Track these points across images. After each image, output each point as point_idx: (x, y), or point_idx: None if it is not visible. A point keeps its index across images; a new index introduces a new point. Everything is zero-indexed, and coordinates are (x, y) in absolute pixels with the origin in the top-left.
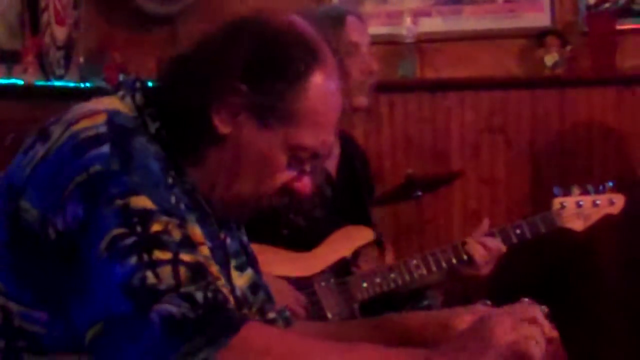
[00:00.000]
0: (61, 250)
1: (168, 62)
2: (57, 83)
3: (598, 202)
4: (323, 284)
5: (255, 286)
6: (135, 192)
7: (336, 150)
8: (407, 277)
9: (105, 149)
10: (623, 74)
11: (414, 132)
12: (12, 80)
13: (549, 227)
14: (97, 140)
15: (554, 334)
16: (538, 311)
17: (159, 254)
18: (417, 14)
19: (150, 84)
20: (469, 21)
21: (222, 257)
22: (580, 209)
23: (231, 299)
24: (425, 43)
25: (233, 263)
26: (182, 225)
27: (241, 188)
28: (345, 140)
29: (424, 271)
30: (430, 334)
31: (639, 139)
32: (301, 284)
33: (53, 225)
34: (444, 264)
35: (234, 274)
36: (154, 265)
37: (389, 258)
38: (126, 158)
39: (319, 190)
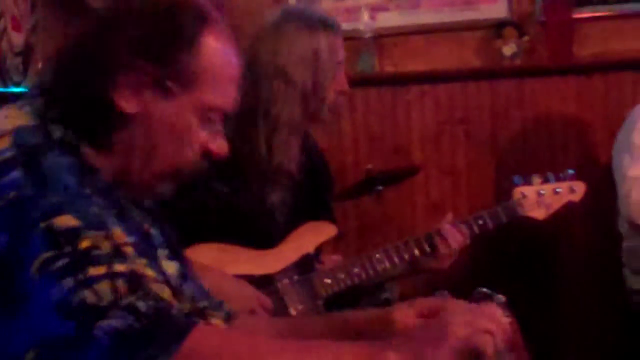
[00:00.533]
0: None
1: (58, 57)
2: (16, 89)
3: (559, 190)
4: (286, 281)
5: (184, 276)
6: (57, 212)
7: (298, 153)
8: (371, 272)
9: (17, 173)
10: (581, 62)
11: (375, 127)
12: None
13: (511, 217)
14: (8, 165)
15: (512, 324)
16: (494, 307)
17: (93, 271)
18: (374, 9)
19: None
20: (427, 14)
21: (148, 248)
22: (541, 198)
23: (167, 289)
24: (384, 37)
25: (163, 253)
26: (109, 235)
27: (160, 162)
28: (307, 141)
29: (387, 265)
30: (375, 330)
31: (599, 126)
32: (264, 282)
33: None
34: (406, 257)
35: (165, 263)
36: (91, 282)
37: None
38: (40, 179)
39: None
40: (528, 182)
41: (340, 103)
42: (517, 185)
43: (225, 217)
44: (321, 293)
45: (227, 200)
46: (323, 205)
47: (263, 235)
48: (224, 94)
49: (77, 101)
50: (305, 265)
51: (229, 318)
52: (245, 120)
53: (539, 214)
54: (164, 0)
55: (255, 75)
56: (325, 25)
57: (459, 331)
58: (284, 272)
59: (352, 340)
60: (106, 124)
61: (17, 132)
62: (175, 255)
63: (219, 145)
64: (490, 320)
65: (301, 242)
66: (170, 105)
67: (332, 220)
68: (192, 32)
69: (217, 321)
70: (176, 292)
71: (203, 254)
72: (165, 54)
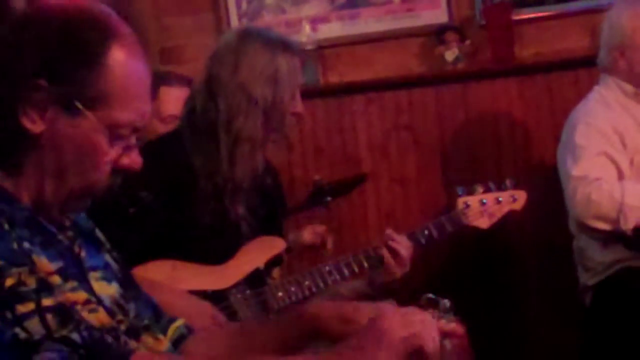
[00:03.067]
0: None
1: None
2: None
3: (500, 199)
4: (239, 296)
5: (126, 297)
6: None
7: (261, 169)
8: (321, 284)
9: None
10: (523, 63)
11: (322, 138)
12: None
13: (456, 227)
14: None
15: (457, 328)
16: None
17: (21, 308)
18: (315, 21)
19: None
20: (368, 24)
21: (78, 271)
22: (484, 207)
23: (101, 309)
24: (326, 49)
25: (97, 274)
26: (32, 270)
27: (72, 182)
28: None
29: (338, 277)
30: (335, 326)
31: (544, 126)
32: (217, 297)
33: None
34: (356, 269)
35: (101, 284)
36: (20, 320)
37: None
38: None
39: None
40: (470, 192)
41: (292, 124)
42: (460, 195)
43: (182, 233)
44: (274, 306)
45: (149, 206)
46: (273, 220)
47: (225, 249)
48: (134, 110)
49: None
50: (256, 279)
51: (181, 336)
52: (205, 135)
53: (483, 223)
54: (66, 16)
55: (214, 91)
56: (286, 46)
57: (397, 333)
58: (236, 286)
59: (309, 334)
60: (14, 147)
61: None
62: (115, 275)
63: (132, 160)
64: (423, 318)
65: (251, 257)
66: (77, 124)
67: (281, 235)
68: (97, 49)
69: (161, 336)
70: (113, 312)
71: (155, 271)
72: (70, 72)
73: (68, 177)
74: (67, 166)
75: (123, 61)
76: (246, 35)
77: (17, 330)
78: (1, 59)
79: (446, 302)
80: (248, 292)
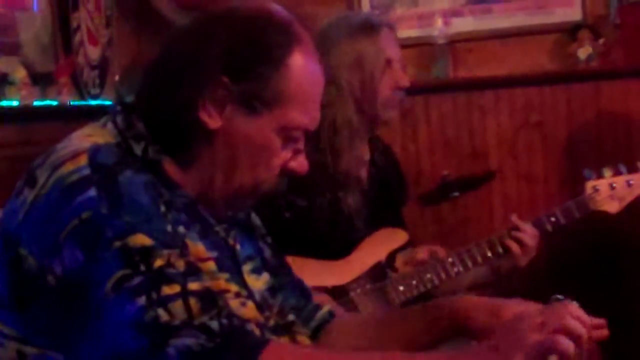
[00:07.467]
0: (64, 295)
1: (143, 71)
2: (93, 102)
3: (632, 182)
4: (359, 290)
5: (273, 289)
6: (131, 232)
7: (366, 157)
8: (444, 276)
9: (92, 192)
10: None
11: (450, 133)
12: (47, 102)
13: (583, 212)
14: (83, 184)
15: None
16: (574, 307)
17: (167, 290)
18: (448, 15)
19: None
20: (500, 19)
21: (232, 264)
22: (613, 191)
23: (250, 303)
24: (458, 43)
25: (248, 267)
26: (183, 253)
27: (241, 179)
28: (377, 147)
29: (461, 268)
30: (479, 318)
31: None
32: (337, 292)
33: (51, 272)
34: (479, 259)
35: (250, 277)
36: (164, 302)
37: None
38: (115, 199)
39: (358, 198)
40: (599, 175)
41: (398, 99)
42: (588, 179)
43: (303, 229)
44: (395, 300)
45: (305, 212)
46: (394, 213)
47: (343, 243)
48: (308, 113)
49: (161, 116)
50: (378, 273)
51: (324, 321)
52: None
53: (612, 207)
54: (253, 18)
55: None
56: (367, 27)
57: (533, 336)
58: (357, 281)
59: (446, 326)
60: (189, 139)
61: (94, 151)
62: (266, 269)
63: (300, 164)
64: (569, 318)
65: (372, 250)
66: (253, 122)
67: (403, 227)
68: (280, 51)
69: (301, 337)
70: (262, 306)
71: None
72: (253, 72)
73: (238, 174)
74: (239, 163)
75: (302, 65)
76: (332, 25)
77: (160, 311)
78: (189, 53)
79: (575, 304)
80: (368, 286)
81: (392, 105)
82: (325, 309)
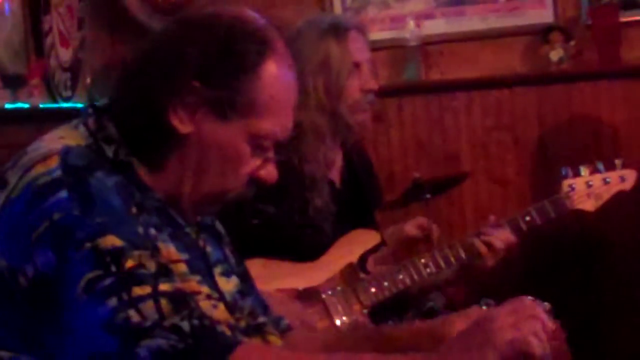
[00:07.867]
0: (35, 297)
1: (116, 74)
2: (64, 105)
3: (608, 179)
4: (330, 292)
5: (243, 292)
6: (102, 233)
7: (338, 161)
8: (416, 277)
9: (63, 194)
10: (629, 66)
11: (423, 135)
12: (18, 105)
13: (559, 211)
14: (54, 186)
15: (557, 331)
16: (539, 307)
17: (138, 290)
18: (420, 17)
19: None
20: (472, 21)
21: (203, 265)
22: (590, 189)
23: (221, 305)
24: (430, 45)
25: (218, 269)
26: (154, 254)
27: (209, 185)
28: (350, 149)
29: (433, 269)
30: (423, 344)
31: None
32: (308, 294)
33: (23, 274)
34: (453, 260)
35: (221, 280)
36: (135, 302)
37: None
38: (86, 200)
39: (325, 200)
40: (576, 174)
41: (367, 102)
42: (565, 177)
43: (272, 234)
44: (366, 302)
45: (273, 219)
46: (368, 214)
47: (312, 246)
48: (279, 123)
49: (132, 119)
50: (350, 275)
51: (284, 332)
52: None
53: (589, 205)
54: (228, 25)
55: None
56: (334, 30)
57: (505, 335)
58: (328, 283)
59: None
60: (160, 143)
61: (65, 153)
62: (234, 273)
63: (268, 173)
64: (535, 321)
65: (345, 252)
66: (224, 129)
67: (377, 228)
68: (254, 59)
69: (273, 337)
70: (232, 308)
71: None
72: (225, 79)
73: (206, 180)
74: (208, 169)
75: (275, 75)
76: (302, 27)
77: (131, 312)
78: (163, 57)
79: (546, 305)
80: (339, 288)
81: (361, 108)
82: (286, 320)
